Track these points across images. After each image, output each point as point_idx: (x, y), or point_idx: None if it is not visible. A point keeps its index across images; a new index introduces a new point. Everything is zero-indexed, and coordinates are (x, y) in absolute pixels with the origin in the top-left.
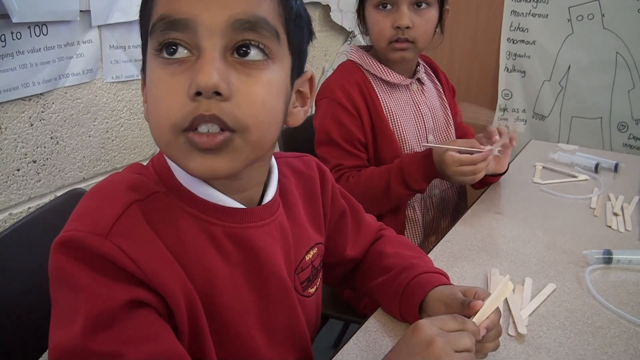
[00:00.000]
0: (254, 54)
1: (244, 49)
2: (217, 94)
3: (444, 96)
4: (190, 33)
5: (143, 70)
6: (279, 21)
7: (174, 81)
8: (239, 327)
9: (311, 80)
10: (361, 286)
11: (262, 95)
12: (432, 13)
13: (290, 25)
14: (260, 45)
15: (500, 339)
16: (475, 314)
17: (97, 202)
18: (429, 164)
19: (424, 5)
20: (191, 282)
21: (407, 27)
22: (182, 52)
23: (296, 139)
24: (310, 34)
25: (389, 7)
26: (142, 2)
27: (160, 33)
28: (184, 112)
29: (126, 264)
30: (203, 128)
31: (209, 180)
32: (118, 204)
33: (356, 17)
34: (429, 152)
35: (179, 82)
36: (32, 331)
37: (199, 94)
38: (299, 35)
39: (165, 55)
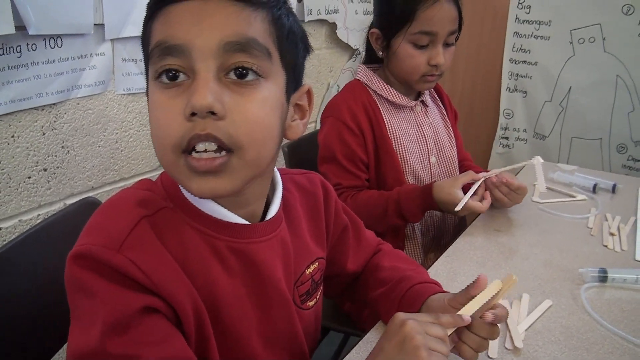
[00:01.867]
0: (248, 75)
1: (239, 70)
2: (212, 113)
3: (447, 118)
4: (186, 57)
5: (147, 92)
6: (270, 39)
7: (172, 103)
8: (239, 335)
9: (309, 93)
10: (360, 298)
11: (256, 112)
12: (454, 47)
13: (282, 42)
14: (254, 67)
15: (497, 352)
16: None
17: (109, 217)
18: (426, 199)
19: (452, 43)
20: (197, 291)
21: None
22: (179, 77)
23: (300, 155)
24: (307, 49)
25: (426, 45)
26: (142, 29)
27: (158, 59)
28: (182, 132)
29: (137, 275)
30: (200, 146)
31: (210, 199)
32: (128, 219)
33: (378, 43)
34: (428, 187)
35: (176, 104)
36: (44, 333)
37: (194, 114)
38: (292, 51)
39: (164, 80)
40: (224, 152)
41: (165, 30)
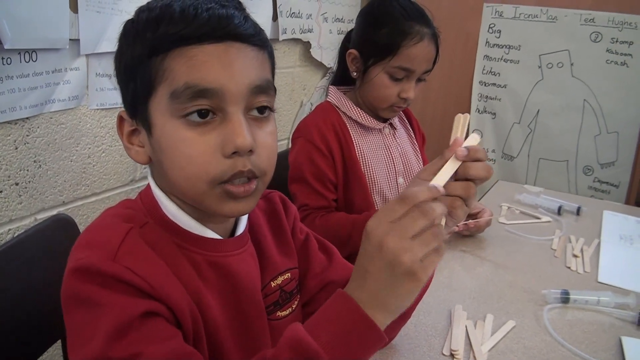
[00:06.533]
0: (266, 112)
1: (261, 108)
2: (249, 151)
3: (415, 141)
4: (217, 99)
5: (134, 116)
6: (272, 74)
7: (204, 140)
8: (215, 341)
9: None
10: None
11: (272, 143)
12: (425, 82)
13: (274, 72)
14: (269, 105)
15: None
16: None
17: (99, 232)
18: None
19: (424, 79)
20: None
21: None
22: (208, 115)
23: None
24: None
25: (400, 78)
26: (135, 59)
27: (188, 100)
28: (222, 168)
29: (135, 281)
30: (236, 179)
31: (235, 217)
32: (117, 232)
33: (354, 64)
34: None
35: (208, 141)
36: (18, 351)
37: (235, 152)
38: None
39: (194, 118)
40: (253, 179)
41: (192, 73)
